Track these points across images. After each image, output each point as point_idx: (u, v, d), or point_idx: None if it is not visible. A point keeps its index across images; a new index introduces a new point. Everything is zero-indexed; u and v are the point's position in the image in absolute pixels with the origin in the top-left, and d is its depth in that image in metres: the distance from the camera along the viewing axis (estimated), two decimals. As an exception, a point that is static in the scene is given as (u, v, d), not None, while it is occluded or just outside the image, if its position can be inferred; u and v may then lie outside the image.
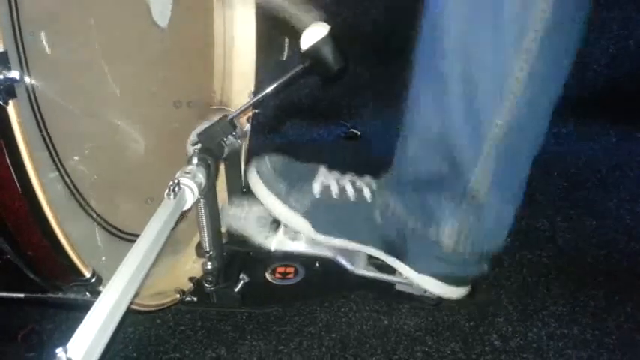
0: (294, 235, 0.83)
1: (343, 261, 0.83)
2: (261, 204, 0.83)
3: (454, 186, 0.74)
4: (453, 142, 0.72)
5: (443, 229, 0.76)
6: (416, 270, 0.80)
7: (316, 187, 0.82)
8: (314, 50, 0.71)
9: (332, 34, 0.71)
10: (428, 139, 0.74)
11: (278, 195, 0.81)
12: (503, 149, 0.70)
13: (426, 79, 0.73)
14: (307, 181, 0.82)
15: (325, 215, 0.81)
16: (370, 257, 0.84)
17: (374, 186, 0.83)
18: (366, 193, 0.82)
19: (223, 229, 0.84)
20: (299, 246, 0.84)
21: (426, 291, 0.82)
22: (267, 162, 0.83)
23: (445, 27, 0.67)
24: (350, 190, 0.82)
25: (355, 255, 0.84)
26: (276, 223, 0.84)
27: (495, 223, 0.77)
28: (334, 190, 0.82)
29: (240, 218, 0.84)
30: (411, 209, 0.78)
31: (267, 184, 0.82)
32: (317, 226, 0.81)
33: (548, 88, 0.69)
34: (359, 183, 0.83)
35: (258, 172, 0.83)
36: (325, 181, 0.83)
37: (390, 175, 0.82)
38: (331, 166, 1.27)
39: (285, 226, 0.83)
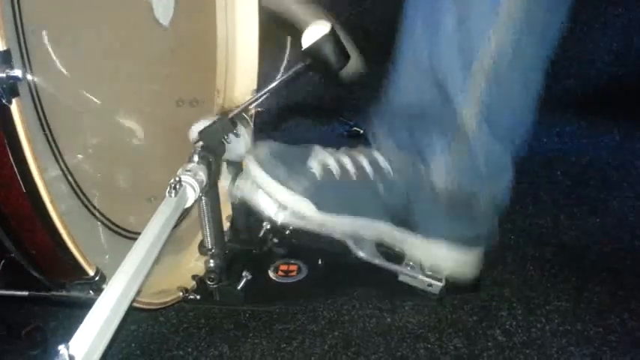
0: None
1: (352, 245, 0.81)
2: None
3: (443, 118, 0.72)
4: (442, 65, 0.69)
5: (434, 166, 0.75)
6: (427, 236, 0.79)
7: (315, 167, 0.79)
8: (315, 48, 0.71)
9: (333, 32, 0.71)
10: (418, 65, 0.72)
11: (278, 179, 0.79)
12: (494, 76, 0.67)
13: (417, 3, 0.71)
14: (304, 161, 0.80)
15: (328, 194, 0.79)
16: (378, 245, 0.83)
17: (372, 156, 0.81)
18: (368, 168, 0.79)
19: (233, 202, 0.84)
20: (307, 224, 0.81)
21: (430, 285, 0.82)
22: (265, 148, 0.81)
23: None
24: (351, 169, 0.79)
25: (364, 241, 0.83)
26: None
27: (486, 163, 0.74)
28: (334, 169, 0.79)
29: (251, 190, 0.83)
30: (402, 147, 0.77)
31: (266, 169, 0.80)
32: (321, 206, 0.79)
33: (547, 11, 0.66)
34: (359, 158, 0.81)
35: (256, 159, 0.80)
36: (323, 159, 0.81)
37: (381, 112, 0.80)
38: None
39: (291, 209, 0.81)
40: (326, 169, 0.80)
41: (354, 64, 0.78)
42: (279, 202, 0.80)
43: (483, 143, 0.72)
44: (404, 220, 0.80)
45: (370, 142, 0.83)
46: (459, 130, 0.71)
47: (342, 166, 0.80)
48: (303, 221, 0.80)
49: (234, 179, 0.83)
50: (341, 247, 0.82)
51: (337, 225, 0.81)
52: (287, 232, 0.93)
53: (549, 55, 0.69)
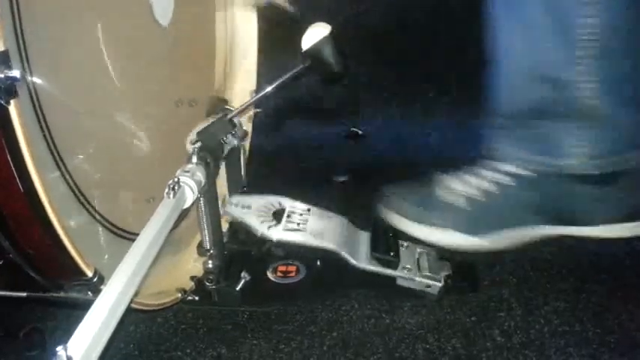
0: (296, 226, 0.83)
1: (346, 255, 0.82)
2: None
3: (562, 107, 0.72)
4: (546, 57, 0.70)
5: (568, 155, 0.74)
6: (590, 224, 0.78)
7: (449, 197, 0.80)
8: (315, 50, 0.71)
9: (333, 35, 0.71)
10: (521, 65, 0.72)
11: (418, 219, 0.81)
12: (600, 52, 0.67)
13: (506, 1, 0.71)
14: (437, 193, 0.82)
15: (473, 217, 0.79)
16: (372, 252, 0.83)
17: (499, 167, 0.80)
18: (496, 175, 0.79)
19: (226, 221, 0.84)
20: (300, 238, 0.82)
21: (428, 286, 0.82)
22: (400, 198, 0.83)
23: None
24: (479, 182, 0.79)
25: (357, 249, 0.84)
26: (278, 216, 0.84)
27: (618, 130, 0.73)
28: (471, 192, 0.80)
29: (243, 208, 0.84)
30: (527, 149, 0.76)
31: (403, 213, 0.82)
32: (476, 232, 0.79)
33: None
34: (485, 172, 0.81)
35: (398, 213, 0.83)
36: (452, 186, 0.81)
37: (491, 124, 0.80)
38: (333, 165, 1.28)
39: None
40: (462, 195, 0.80)
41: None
42: (435, 243, 0.81)
43: (614, 115, 0.71)
44: (559, 217, 0.78)
45: (491, 157, 0.82)
46: (582, 112, 0.71)
47: (477, 187, 0.80)
48: (297, 237, 0.81)
49: (222, 205, 0.84)
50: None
51: (497, 245, 0.81)
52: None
53: None
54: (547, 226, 0.80)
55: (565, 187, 0.76)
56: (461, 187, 0.80)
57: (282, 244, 0.84)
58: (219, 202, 0.81)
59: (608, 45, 0.68)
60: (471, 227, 0.79)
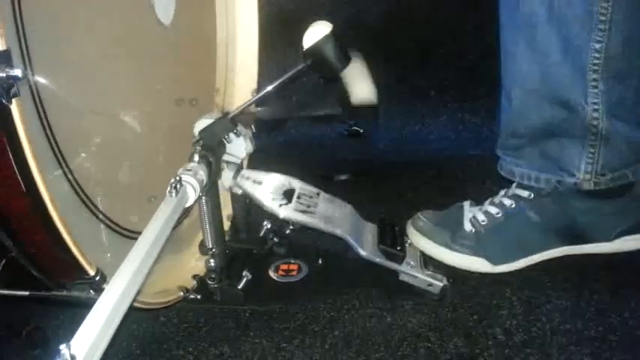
0: (306, 208, 0.82)
1: (353, 242, 0.81)
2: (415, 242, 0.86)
3: (572, 127, 0.74)
4: (556, 81, 0.72)
5: (577, 172, 0.77)
6: (609, 239, 0.81)
7: (467, 224, 0.85)
8: (316, 49, 0.71)
9: (334, 34, 0.71)
10: (531, 87, 0.75)
11: (444, 244, 0.84)
12: (609, 74, 0.70)
13: (514, 27, 0.74)
14: (460, 221, 0.86)
15: (493, 245, 0.83)
16: (379, 243, 0.83)
17: (511, 191, 0.85)
18: (507, 201, 0.84)
19: (239, 192, 0.84)
20: (309, 220, 0.80)
21: (430, 284, 0.82)
22: (421, 217, 0.87)
23: None
24: (493, 210, 0.84)
25: (364, 239, 0.83)
26: (289, 195, 0.83)
27: (629, 148, 0.76)
28: (480, 217, 0.84)
29: (255, 182, 0.83)
30: (538, 169, 0.80)
31: (430, 237, 0.85)
32: (491, 259, 0.83)
33: None
34: (497, 199, 0.86)
35: (416, 229, 0.86)
36: (470, 214, 0.86)
37: (503, 146, 0.83)
38: (333, 163, 1.28)
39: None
40: (474, 221, 0.85)
41: (369, 95, 0.82)
42: (450, 266, 0.85)
43: (620, 133, 0.74)
44: (576, 235, 0.82)
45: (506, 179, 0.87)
46: (592, 132, 0.74)
47: (485, 212, 0.85)
48: (304, 218, 0.80)
49: (235, 176, 0.83)
50: (342, 246, 0.82)
51: (518, 267, 0.84)
52: (287, 231, 0.93)
53: None
54: (565, 247, 0.84)
55: (578, 204, 0.80)
56: (483, 217, 0.85)
57: (285, 243, 0.83)
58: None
59: (615, 68, 0.70)
60: (496, 256, 0.84)
